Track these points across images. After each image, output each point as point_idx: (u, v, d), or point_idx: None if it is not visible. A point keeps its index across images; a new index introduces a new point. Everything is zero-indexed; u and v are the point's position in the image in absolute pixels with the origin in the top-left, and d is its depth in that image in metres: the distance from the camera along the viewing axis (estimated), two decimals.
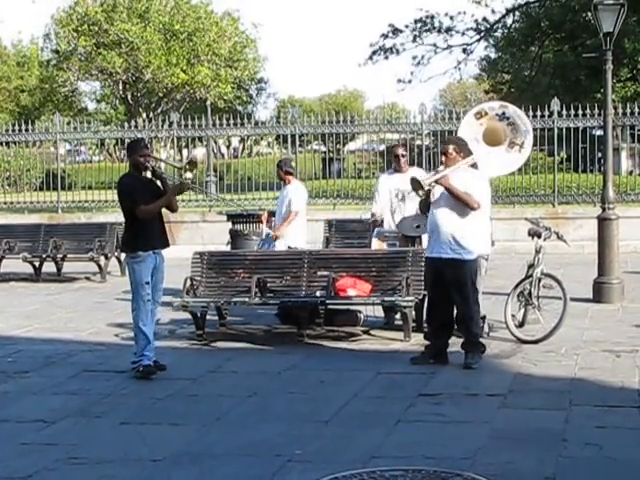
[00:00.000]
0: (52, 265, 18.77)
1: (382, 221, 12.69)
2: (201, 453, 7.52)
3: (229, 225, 15.98)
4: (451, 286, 10.23)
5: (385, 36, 41.32)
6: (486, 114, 11.01)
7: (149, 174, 10.59)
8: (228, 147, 59.51)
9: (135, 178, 10.35)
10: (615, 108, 22.32)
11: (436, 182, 10.20)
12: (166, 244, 10.44)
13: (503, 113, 11.04)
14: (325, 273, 11.92)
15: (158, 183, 10.41)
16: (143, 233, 10.17)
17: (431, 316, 10.66)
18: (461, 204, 10.06)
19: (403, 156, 12.77)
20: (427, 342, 10.65)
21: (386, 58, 41.69)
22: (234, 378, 10.11)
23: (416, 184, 10.36)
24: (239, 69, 43.48)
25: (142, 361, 10.09)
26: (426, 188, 10.26)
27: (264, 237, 13.81)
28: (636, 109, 22.51)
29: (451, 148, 10.33)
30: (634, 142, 27.99)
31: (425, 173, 12.80)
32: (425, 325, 11.26)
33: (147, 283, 10.14)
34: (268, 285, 12.02)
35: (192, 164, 10.92)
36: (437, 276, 10.36)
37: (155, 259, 10.21)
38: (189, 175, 10.76)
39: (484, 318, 11.37)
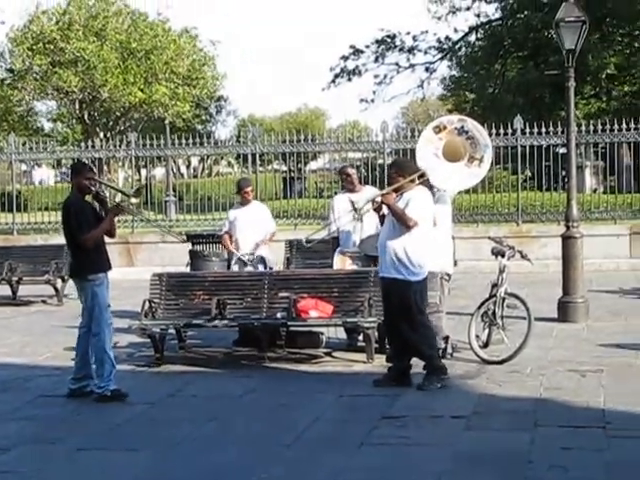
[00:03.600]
0: (7, 288, 18.45)
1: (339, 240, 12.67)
2: (160, 479, 7.32)
3: (189, 246, 15.79)
4: (396, 307, 10.11)
5: (346, 58, 41.57)
6: (445, 128, 10.90)
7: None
8: (188, 167, 59.30)
9: (83, 203, 10.21)
10: (579, 125, 22.38)
11: (382, 202, 10.20)
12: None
13: (462, 127, 10.93)
14: (286, 294, 11.74)
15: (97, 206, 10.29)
16: (99, 254, 10.05)
17: (391, 337, 10.49)
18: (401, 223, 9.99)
19: (351, 175, 12.76)
20: (390, 364, 10.48)
21: (349, 80, 41.98)
22: (194, 402, 9.93)
23: (352, 206, 10.43)
24: (197, 87, 43.30)
25: (109, 386, 9.91)
26: (364, 210, 10.33)
27: (238, 258, 13.58)
28: (599, 126, 22.56)
29: (392, 172, 10.47)
30: (598, 159, 28.09)
31: (378, 192, 12.72)
32: (387, 347, 11.11)
33: (109, 306, 10.01)
34: (228, 307, 11.83)
35: (138, 191, 10.94)
36: (387, 296, 10.28)
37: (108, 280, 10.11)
38: (134, 200, 10.73)
39: (447, 338, 11.28)
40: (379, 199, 10.35)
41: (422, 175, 10.27)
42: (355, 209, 10.57)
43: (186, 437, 8.48)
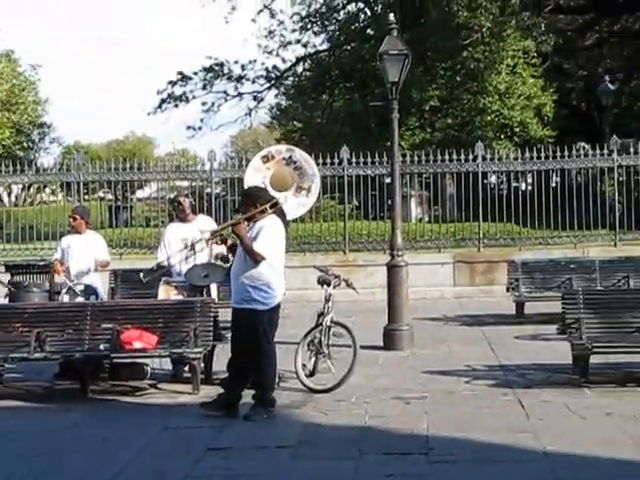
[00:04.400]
0: None
1: (169, 270, 12.46)
2: None
3: (8, 276, 15.32)
4: (243, 336, 10.06)
5: (174, 83, 41.31)
6: (273, 157, 10.95)
7: None
8: (9, 195, 57.69)
9: None
10: (404, 156, 22.79)
11: (233, 231, 10.13)
12: None
13: (290, 157, 11.01)
14: (109, 325, 11.49)
15: None
16: None
17: (230, 365, 10.41)
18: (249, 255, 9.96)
19: (183, 204, 12.62)
20: (222, 390, 10.43)
21: (176, 106, 41.76)
22: (9, 439, 9.55)
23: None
24: (18, 113, 42.31)
25: None
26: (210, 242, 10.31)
27: (69, 288, 13.19)
28: (424, 157, 23.01)
29: (244, 201, 10.39)
30: (423, 189, 28.64)
31: (212, 221, 12.71)
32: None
33: None
34: (49, 339, 11.50)
35: None
36: (236, 325, 10.23)
37: None
38: None
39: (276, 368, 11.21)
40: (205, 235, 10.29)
41: (275, 204, 10.22)
42: (206, 241, 10.50)
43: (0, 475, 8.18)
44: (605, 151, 23.02)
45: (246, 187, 10.84)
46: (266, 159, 11.01)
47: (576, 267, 17.94)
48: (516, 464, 8.17)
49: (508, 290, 17.86)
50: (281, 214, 10.32)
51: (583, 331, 11.37)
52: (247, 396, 10.23)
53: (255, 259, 9.89)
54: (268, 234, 9.99)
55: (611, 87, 34.02)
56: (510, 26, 34.44)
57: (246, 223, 10.08)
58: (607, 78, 34.44)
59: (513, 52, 35.96)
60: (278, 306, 10.22)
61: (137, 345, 11.30)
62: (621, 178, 23.54)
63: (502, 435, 9.00)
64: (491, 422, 9.57)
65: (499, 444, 8.75)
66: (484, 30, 33.00)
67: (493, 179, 29.50)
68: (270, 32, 41.87)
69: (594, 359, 11.40)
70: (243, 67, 41.83)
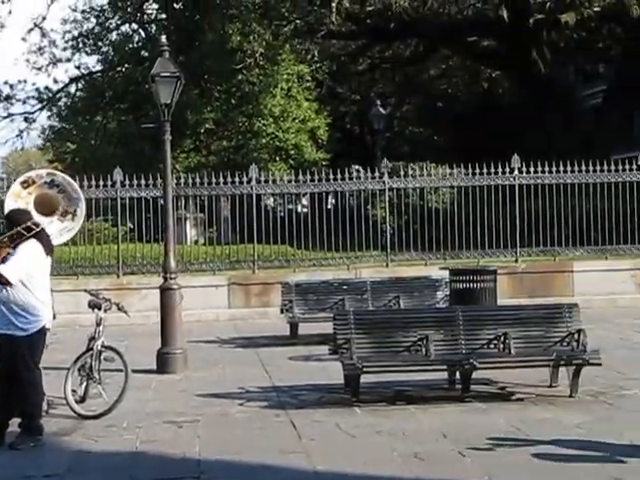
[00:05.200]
0: None
1: None
2: None
3: None
4: (6, 362, 9.79)
5: None
6: (34, 182, 10.67)
7: None
8: None
9: None
10: (178, 178, 22.71)
11: None
12: None
13: (52, 181, 10.75)
14: None
15: None
16: None
17: None
18: None
19: None
20: None
21: None
22: None
23: None
24: None
25: None
26: None
27: None
28: (199, 179, 22.96)
29: (6, 225, 10.19)
30: (198, 211, 28.58)
31: None
32: None
33: None
34: None
35: None
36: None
37: None
38: None
39: (43, 395, 10.89)
40: None
41: (29, 228, 9.91)
42: None
43: None
44: (377, 174, 23.51)
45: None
46: (26, 184, 10.72)
47: (348, 288, 18.24)
48: None
49: (282, 311, 17.97)
50: (45, 238, 10.08)
51: (354, 351, 11.54)
52: (14, 424, 9.91)
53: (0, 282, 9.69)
54: (19, 257, 9.78)
55: (383, 111, 34.95)
56: (284, 50, 34.91)
57: (7, 247, 9.82)
58: (379, 102, 35.37)
59: (288, 76, 36.49)
60: (41, 331, 9.92)
61: None
62: (392, 200, 24.13)
63: (274, 456, 9.05)
64: (263, 443, 9.60)
65: (271, 465, 8.79)
66: (257, 55, 33.27)
67: (270, 201, 29.75)
68: (40, 48, 41.06)
69: (365, 378, 11.61)
70: (12, 87, 40.86)
